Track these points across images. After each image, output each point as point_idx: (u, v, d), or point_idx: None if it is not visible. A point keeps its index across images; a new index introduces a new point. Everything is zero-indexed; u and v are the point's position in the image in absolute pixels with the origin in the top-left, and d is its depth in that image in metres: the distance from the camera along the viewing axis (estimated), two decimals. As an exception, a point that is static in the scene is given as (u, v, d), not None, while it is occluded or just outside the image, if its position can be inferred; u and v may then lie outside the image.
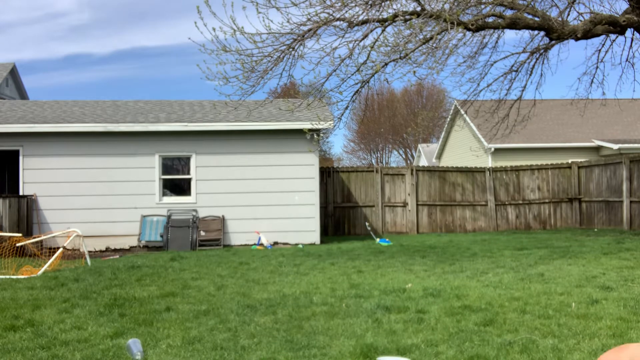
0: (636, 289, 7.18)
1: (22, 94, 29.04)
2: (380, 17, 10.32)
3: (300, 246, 14.54)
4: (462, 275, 8.67)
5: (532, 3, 11.35)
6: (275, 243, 15.07)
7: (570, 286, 7.41)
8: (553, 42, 12.40)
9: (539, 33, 12.68)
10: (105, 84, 79.48)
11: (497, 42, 13.12)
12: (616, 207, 17.07)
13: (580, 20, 11.78)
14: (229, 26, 9.63)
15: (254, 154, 15.20)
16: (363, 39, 10.38)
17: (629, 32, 12.35)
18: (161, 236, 14.55)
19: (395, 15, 10.21)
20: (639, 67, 26.45)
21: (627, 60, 13.57)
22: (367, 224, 17.93)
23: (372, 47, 10.29)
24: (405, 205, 18.56)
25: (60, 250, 10.84)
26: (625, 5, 12.16)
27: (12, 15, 72.15)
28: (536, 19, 11.30)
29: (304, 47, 10.44)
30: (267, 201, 15.09)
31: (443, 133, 30.59)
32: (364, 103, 17.53)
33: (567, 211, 19.11)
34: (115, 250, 14.57)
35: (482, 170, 19.15)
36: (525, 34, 13.26)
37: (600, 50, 13.55)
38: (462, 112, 23.37)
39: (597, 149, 23.34)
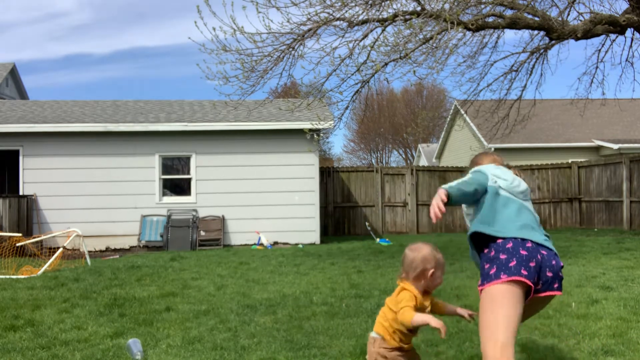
0: (636, 289, 7.18)
1: (22, 94, 29.04)
2: (380, 16, 10.32)
3: (300, 246, 14.54)
4: (462, 275, 8.67)
5: (532, 3, 11.33)
6: (275, 243, 15.07)
7: (570, 286, 7.41)
8: (553, 42, 12.39)
9: (539, 33, 12.67)
10: (105, 84, 79.54)
11: (497, 42, 13.11)
12: (616, 207, 17.07)
13: (580, 20, 11.76)
14: (229, 26, 9.64)
15: (254, 153, 15.19)
16: (363, 38, 10.37)
17: (629, 32, 12.33)
18: (161, 236, 14.55)
19: (395, 15, 10.20)
20: (638, 67, 26.52)
21: (627, 60, 13.55)
22: (367, 224, 17.93)
23: (372, 47, 10.29)
24: (405, 205, 18.56)
25: (60, 250, 10.83)
26: (625, 5, 12.17)
27: (12, 15, 72.19)
28: (536, 18, 11.29)
29: (304, 47, 10.44)
30: (267, 201, 15.09)
31: (443, 133, 30.57)
32: (364, 103, 17.48)
33: (567, 211, 19.11)
34: (115, 250, 14.57)
35: (482, 170, 19.12)
36: (525, 33, 13.26)
37: (600, 50, 13.54)
38: (462, 112, 23.35)
39: (597, 149, 23.33)
